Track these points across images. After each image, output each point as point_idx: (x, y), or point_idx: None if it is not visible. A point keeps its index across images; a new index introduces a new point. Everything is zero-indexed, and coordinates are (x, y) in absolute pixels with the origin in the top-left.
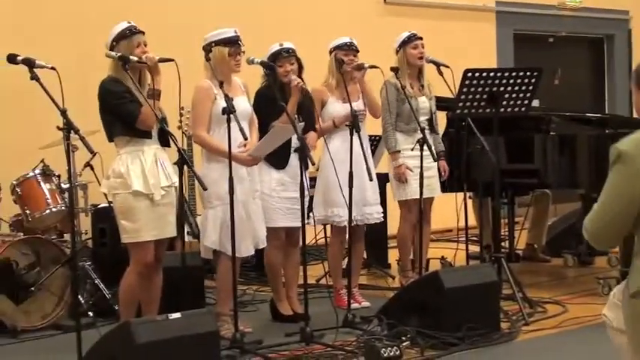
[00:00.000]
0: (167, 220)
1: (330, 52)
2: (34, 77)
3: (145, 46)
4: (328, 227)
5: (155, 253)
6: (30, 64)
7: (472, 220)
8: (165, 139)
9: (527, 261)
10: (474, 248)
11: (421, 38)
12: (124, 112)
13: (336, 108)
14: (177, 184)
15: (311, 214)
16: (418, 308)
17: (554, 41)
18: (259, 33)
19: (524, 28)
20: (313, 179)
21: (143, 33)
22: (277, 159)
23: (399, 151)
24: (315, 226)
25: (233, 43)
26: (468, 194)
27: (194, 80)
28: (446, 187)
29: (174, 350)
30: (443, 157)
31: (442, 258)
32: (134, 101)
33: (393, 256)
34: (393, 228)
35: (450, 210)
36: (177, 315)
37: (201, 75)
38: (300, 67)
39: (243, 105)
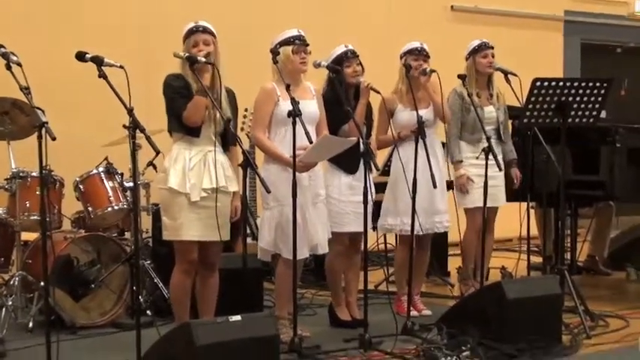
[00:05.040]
0: (212, 223)
1: (401, 58)
2: (102, 75)
3: (207, 45)
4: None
5: (206, 256)
6: (98, 62)
7: (533, 230)
8: (228, 140)
9: (588, 273)
10: (535, 259)
11: (492, 47)
12: (173, 107)
13: (404, 117)
14: (229, 188)
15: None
16: (479, 318)
17: (621, 52)
18: (327, 42)
19: (592, 38)
20: (379, 185)
21: (206, 32)
22: (348, 163)
23: (462, 161)
24: (377, 231)
25: (296, 40)
26: (530, 204)
27: (259, 82)
28: (510, 196)
29: (234, 353)
30: (515, 165)
31: (502, 268)
32: (186, 97)
33: (452, 264)
34: (452, 236)
35: (510, 219)
36: (237, 317)
37: (267, 76)
38: (362, 70)
39: (310, 109)
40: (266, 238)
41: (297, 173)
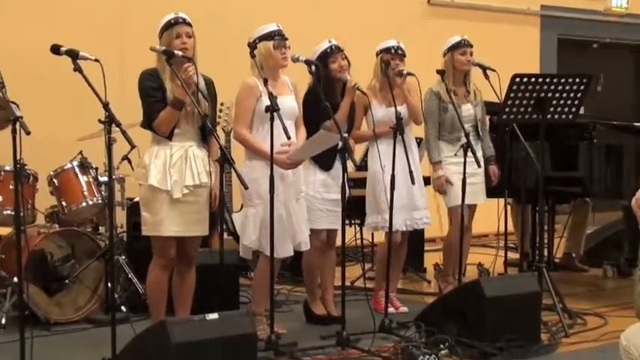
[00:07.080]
0: (193, 219)
1: (377, 55)
2: (77, 69)
3: (189, 37)
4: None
5: (185, 251)
6: (73, 55)
7: (510, 227)
8: (205, 135)
9: (564, 270)
10: (512, 255)
11: (471, 45)
12: (147, 110)
13: (379, 113)
14: (208, 184)
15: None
16: (457, 316)
17: (598, 47)
18: (304, 34)
19: (569, 33)
20: (355, 180)
21: (187, 24)
22: (323, 160)
23: (441, 162)
24: (354, 227)
25: (276, 35)
26: (508, 200)
27: (234, 73)
28: (487, 192)
29: (210, 351)
30: (494, 162)
31: (479, 264)
32: (160, 101)
33: (429, 260)
34: (428, 232)
35: (487, 215)
36: (214, 315)
37: (243, 68)
38: (349, 64)
39: (289, 104)
40: (251, 237)
41: (280, 169)
